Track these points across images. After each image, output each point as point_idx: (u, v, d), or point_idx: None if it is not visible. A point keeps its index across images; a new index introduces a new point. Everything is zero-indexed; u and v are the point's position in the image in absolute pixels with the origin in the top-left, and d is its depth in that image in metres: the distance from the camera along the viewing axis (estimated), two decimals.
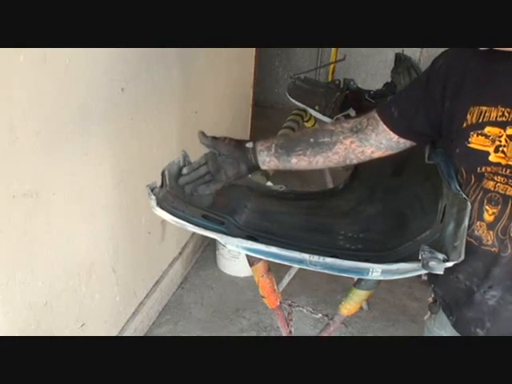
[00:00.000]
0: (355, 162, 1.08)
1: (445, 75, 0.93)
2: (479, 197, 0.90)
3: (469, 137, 0.89)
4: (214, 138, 1.10)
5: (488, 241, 0.90)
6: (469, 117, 0.89)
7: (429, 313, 1.10)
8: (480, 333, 0.94)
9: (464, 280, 0.96)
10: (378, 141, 1.03)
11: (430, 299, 1.09)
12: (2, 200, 1.16)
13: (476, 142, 0.88)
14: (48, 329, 1.43)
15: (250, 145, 1.09)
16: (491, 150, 0.86)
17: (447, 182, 1.05)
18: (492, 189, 0.88)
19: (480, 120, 0.88)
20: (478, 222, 0.91)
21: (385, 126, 1.02)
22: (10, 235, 1.21)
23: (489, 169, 0.87)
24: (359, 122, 1.05)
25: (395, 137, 1.02)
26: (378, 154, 1.05)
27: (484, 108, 0.87)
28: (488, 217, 0.89)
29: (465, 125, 0.89)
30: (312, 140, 1.06)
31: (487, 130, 0.87)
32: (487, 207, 0.89)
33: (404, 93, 1.09)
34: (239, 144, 1.09)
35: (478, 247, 0.91)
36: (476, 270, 0.93)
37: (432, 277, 1.05)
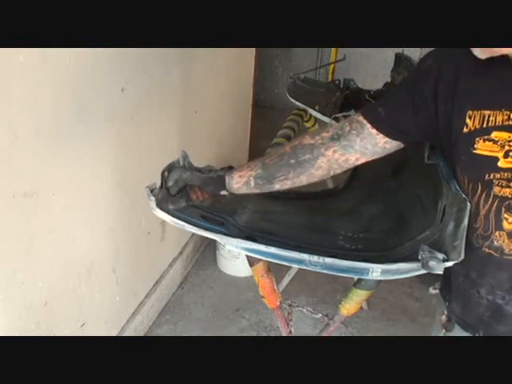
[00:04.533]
0: (339, 171, 1.03)
1: (436, 75, 0.90)
2: (495, 206, 0.86)
3: (474, 143, 0.85)
4: (188, 185, 1.07)
5: (511, 250, 0.87)
6: (469, 121, 0.86)
7: (443, 330, 1.06)
8: None
9: (486, 295, 0.92)
10: (363, 146, 0.97)
11: (444, 317, 1.05)
12: (2, 200, 1.16)
13: (483, 147, 0.84)
14: (48, 329, 1.43)
15: (224, 192, 1.07)
16: (500, 155, 0.83)
17: (447, 181, 1.05)
18: (510, 196, 0.84)
19: (484, 125, 0.84)
20: (497, 232, 0.87)
21: (371, 129, 0.96)
22: (10, 235, 1.21)
23: (498, 175, 0.84)
24: (340, 127, 0.99)
25: (381, 140, 0.96)
26: (362, 161, 1.00)
27: (487, 112, 0.84)
28: (508, 225, 0.86)
29: (466, 130, 0.86)
30: (293, 161, 1.01)
31: (494, 134, 0.83)
32: (506, 215, 0.85)
33: (391, 94, 1.06)
34: (214, 193, 1.08)
35: (501, 257, 0.88)
36: (500, 282, 0.90)
37: (447, 293, 1.02)
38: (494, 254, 0.88)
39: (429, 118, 0.92)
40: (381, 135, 0.96)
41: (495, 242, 0.88)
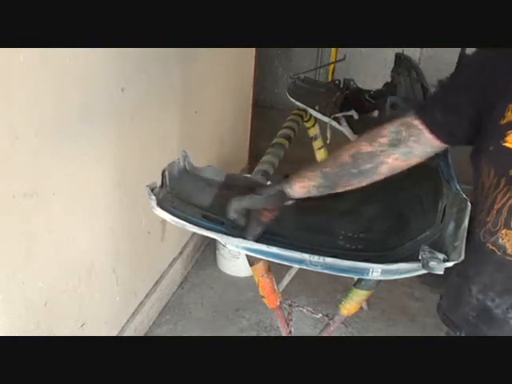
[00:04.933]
0: (398, 171, 1.01)
1: (492, 68, 0.87)
2: (509, 203, 0.84)
3: (505, 135, 0.83)
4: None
5: None
6: (508, 114, 0.83)
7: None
8: None
9: (476, 294, 0.92)
10: (423, 150, 0.96)
11: (443, 334, 1.04)
12: (2, 200, 1.16)
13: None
14: (48, 329, 1.43)
15: (288, 203, 1.06)
16: None
17: (447, 182, 1.05)
18: None
19: None
20: (504, 230, 0.86)
21: (429, 134, 0.94)
22: (10, 235, 1.21)
23: None
24: (396, 132, 0.96)
25: (438, 144, 0.95)
26: (421, 160, 0.99)
27: None
28: None
29: (502, 121, 0.84)
30: (354, 171, 0.99)
31: None
32: None
33: (444, 91, 1.00)
34: (279, 207, 1.06)
35: (502, 257, 0.87)
36: (494, 283, 0.89)
37: (446, 303, 1.01)
38: (497, 252, 0.87)
39: (481, 111, 0.89)
40: (438, 140, 0.95)
41: (500, 240, 0.87)
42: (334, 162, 1.02)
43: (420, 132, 0.95)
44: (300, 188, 1.03)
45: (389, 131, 0.97)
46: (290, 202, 1.06)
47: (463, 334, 0.97)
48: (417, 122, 0.95)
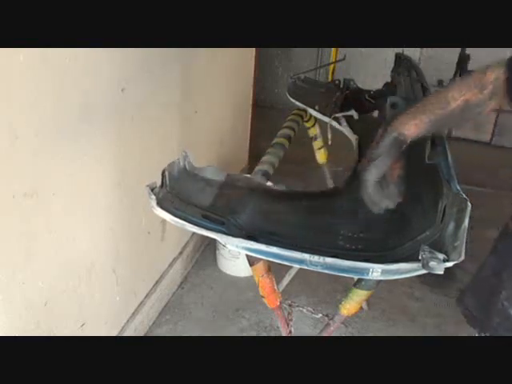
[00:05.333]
0: None
1: None
2: None
3: None
4: None
5: None
6: None
7: None
8: None
9: (504, 299, 0.90)
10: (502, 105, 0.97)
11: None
12: (2, 200, 1.16)
13: None
14: (48, 329, 1.43)
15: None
16: None
17: (447, 181, 1.05)
18: None
19: None
20: None
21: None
22: (10, 235, 1.21)
23: None
24: (496, 79, 0.93)
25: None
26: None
27: None
28: None
29: None
30: (461, 118, 0.98)
31: None
32: None
33: None
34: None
35: None
36: None
37: (473, 299, 0.98)
38: None
39: None
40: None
41: None
42: (442, 110, 0.98)
43: (503, 88, 0.93)
44: (410, 134, 1.00)
45: (492, 79, 0.94)
46: (404, 147, 1.02)
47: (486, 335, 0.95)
48: (504, 77, 0.92)
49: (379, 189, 1.02)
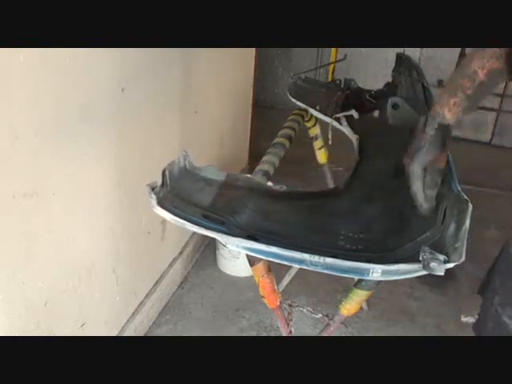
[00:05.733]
0: None
1: None
2: None
3: None
4: None
5: None
6: None
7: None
8: None
9: (497, 304, 0.89)
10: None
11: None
12: (2, 200, 1.16)
13: None
14: (48, 329, 1.43)
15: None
16: None
17: (448, 182, 1.05)
18: None
19: None
20: None
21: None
22: (10, 235, 1.21)
23: None
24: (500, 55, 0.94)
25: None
26: None
27: None
28: None
29: None
30: (490, 88, 0.98)
31: None
32: None
33: None
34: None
35: None
36: None
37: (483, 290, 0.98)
38: None
39: None
40: None
41: None
42: (473, 83, 0.97)
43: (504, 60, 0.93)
44: (452, 115, 0.99)
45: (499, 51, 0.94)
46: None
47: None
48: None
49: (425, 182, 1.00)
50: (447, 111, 0.99)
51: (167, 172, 1.10)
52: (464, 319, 1.08)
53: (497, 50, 0.94)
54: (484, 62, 0.96)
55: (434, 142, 0.99)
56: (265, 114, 3.70)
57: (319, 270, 0.96)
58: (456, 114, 0.99)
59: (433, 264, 0.86)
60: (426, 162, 0.99)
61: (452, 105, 0.99)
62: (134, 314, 1.94)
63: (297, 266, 1.07)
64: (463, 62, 0.98)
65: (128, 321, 1.90)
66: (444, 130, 0.99)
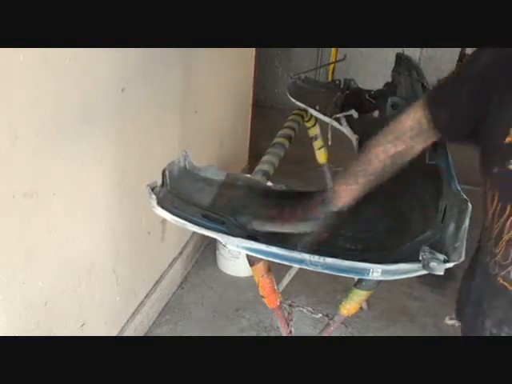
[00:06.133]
0: None
1: (494, 77, 0.82)
2: None
3: (510, 157, 0.76)
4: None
5: None
6: None
7: None
8: None
9: (491, 327, 0.86)
10: (430, 141, 1.00)
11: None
12: (2, 200, 1.16)
13: None
14: (48, 329, 1.43)
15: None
16: None
17: (448, 182, 1.05)
18: None
19: None
20: None
21: (436, 131, 0.97)
22: (10, 235, 1.21)
23: None
24: (411, 129, 0.99)
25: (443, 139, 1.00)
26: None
27: None
28: None
29: (507, 140, 0.76)
30: (391, 170, 1.03)
31: None
32: None
33: (454, 92, 0.94)
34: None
35: None
36: (509, 318, 0.83)
37: (460, 311, 0.97)
38: (508, 287, 0.81)
39: (479, 123, 0.87)
40: (441, 136, 0.99)
41: (511, 275, 0.80)
42: (374, 168, 1.03)
43: (430, 126, 0.97)
44: (350, 200, 1.06)
45: (409, 127, 0.99)
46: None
47: None
48: (426, 117, 0.97)
49: None
50: (342, 201, 1.05)
51: (167, 172, 1.10)
52: (449, 322, 1.07)
53: (399, 129, 1.00)
54: (384, 148, 1.01)
55: (320, 221, 1.05)
56: (265, 114, 3.70)
57: (319, 269, 0.96)
58: (350, 201, 1.05)
59: (432, 263, 0.86)
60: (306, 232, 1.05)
61: (348, 195, 1.05)
62: (134, 313, 1.94)
63: (297, 266, 1.07)
64: (367, 147, 1.04)
65: (128, 321, 1.90)
66: (333, 216, 1.05)
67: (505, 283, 0.82)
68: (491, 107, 0.82)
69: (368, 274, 0.94)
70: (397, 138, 1.00)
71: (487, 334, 0.87)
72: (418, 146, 1.00)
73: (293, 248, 0.99)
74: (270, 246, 0.97)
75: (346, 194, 1.04)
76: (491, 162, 0.82)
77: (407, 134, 0.98)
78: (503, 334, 0.85)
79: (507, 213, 0.79)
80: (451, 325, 1.07)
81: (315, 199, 1.07)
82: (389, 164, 1.01)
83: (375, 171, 1.02)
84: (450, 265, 0.87)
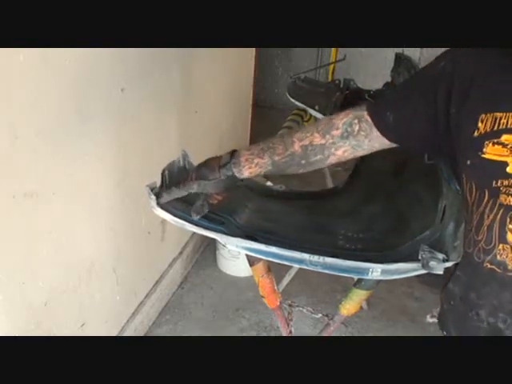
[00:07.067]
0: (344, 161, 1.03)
1: (450, 78, 0.85)
2: (499, 216, 0.79)
3: (483, 147, 0.79)
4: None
5: None
6: (481, 125, 0.80)
7: None
8: None
9: (487, 317, 0.86)
10: (371, 145, 0.96)
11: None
12: (2, 200, 1.16)
13: (492, 151, 0.78)
14: (48, 329, 1.43)
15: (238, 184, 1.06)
16: (510, 160, 0.77)
17: (447, 181, 1.05)
18: None
19: (495, 127, 0.78)
20: (501, 245, 0.80)
21: (379, 134, 0.94)
22: (10, 235, 1.21)
23: (506, 182, 0.78)
24: (349, 124, 0.96)
25: (388, 142, 0.95)
26: (367, 153, 1.00)
27: (499, 114, 0.79)
28: None
29: (476, 134, 0.81)
30: (304, 162, 1.00)
31: (504, 138, 0.77)
32: (511, 226, 0.79)
33: (401, 96, 0.98)
34: (229, 190, 1.07)
35: (504, 274, 0.81)
36: (503, 303, 0.83)
37: (445, 322, 0.97)
38: (497, 270, 0.81)
39: (440, 125, 0.88)
40: (387, 140, 0.95)
41: (498, 257, 0.81)
42: (284, 150, 1.01)
43: (370, 127, 0.95)
44: (249, 174, 1.03)
45: (342, 123, 0.97)
46: (238, 183, 1.06)
47: None
48: (369, 119, 0.95)
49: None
50: (247, 168, 1.02)
51: (166, 172, 1.10)
52: (430, 320, 1.07)
53: (329, 125, 0.97)
54: (304, 134, 0.99)
55: (219, 183, 1.03)
56: (265, 114, 3.70)
57: (319, 269, 0.97)
58: (253, 173, 1.03)
59: (432, 263, 0.86)
60: (206, 191, 1.04)
61: (254, 165, 1.02)
62: (134, 313, 1.94)
63: (297, 266, 1.07)
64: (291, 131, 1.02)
65: (128, 321, 1.90)
66: (233, 179, 1.03)
67: (493, 267, 0.82)
68: (451, 108, 0.84)
69: (368, 273, 0.94)
70: (319, 131, 0.99)
71: (485, 326, 0.87)
72: (345, 147, 0.97)
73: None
74: (270, 246, 0.97)
75: (246, 164, 1.02)
76: (463, 156, 0.84)
77: (338, 130, 0.97)
78: (500, 322, 0.85)
79: (486, 199, 0.81)
80: (432, 323, 1.07)
81: (216, 160, 1.06)
82: (299, 153, 0.99)
83: (283, 154, 1.00)
84: (449, 264, 0.87)
